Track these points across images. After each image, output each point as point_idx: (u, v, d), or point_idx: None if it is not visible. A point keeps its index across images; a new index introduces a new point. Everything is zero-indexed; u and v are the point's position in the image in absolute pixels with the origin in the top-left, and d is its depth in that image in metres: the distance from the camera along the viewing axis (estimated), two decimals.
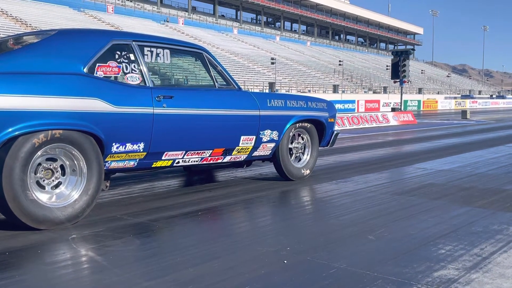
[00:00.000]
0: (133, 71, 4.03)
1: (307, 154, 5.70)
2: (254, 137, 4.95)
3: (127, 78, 3.99)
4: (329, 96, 46.81)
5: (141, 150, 4.02)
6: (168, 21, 58.68)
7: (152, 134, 4.02)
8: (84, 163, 3.61)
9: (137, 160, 4.08)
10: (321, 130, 5.81)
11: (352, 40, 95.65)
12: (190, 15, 65.81)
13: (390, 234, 3.43)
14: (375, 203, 4.43)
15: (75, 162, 3.60)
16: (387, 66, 58.29)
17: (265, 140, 5.07)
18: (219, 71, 4.81)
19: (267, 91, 41.61)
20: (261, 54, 58.42)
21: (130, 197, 4.63)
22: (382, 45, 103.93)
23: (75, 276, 2.63)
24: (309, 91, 49.43)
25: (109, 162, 3.91)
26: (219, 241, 3.28)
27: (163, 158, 4.28)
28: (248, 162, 5.38)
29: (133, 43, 4.15)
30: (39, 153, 3.39)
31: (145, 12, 58.89)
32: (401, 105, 20.39)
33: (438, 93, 70.45)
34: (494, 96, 72.98)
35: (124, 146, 3.89)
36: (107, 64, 3.89)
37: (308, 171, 5.67)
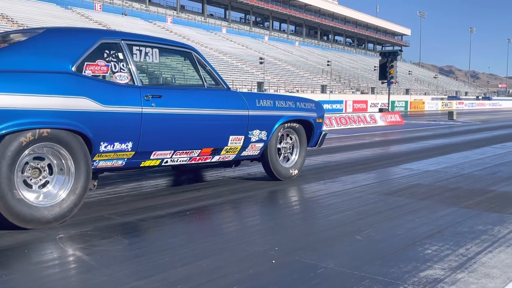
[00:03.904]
0: (121, 70, 4.02)
1: (296, 154, 5.73)
2: (243, 137, 4.96)
3: (116, 77, 3.97)
4: (317, 96, 46.96)
5: (129, 150, 4.01)
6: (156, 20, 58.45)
7: (141, 133, 4.01)
8: (72, 162, 3.58)
9: (125, 159, 4.07)
10: (309, 130, 5.84)
11: (341, 41, 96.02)
12: (179, 13, 65.59)
13: (378, 234, 3.46)
14: (362, 203, 4.46)
15: (63, 161, 3.57)
16: (375, 67, 58.60)
17: (253, 140, 5.09)
18: (208, 71, 4.80)
19: (255, 90, 41.62)
20: (250, 53, 58.42)
21: (118, 197, 4.61)
22: (370, 45, 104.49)
23: (63, 276, 2.61)
24: (298, 91, 49.54)
25: (97, 161, 3.89)
26: (208, 241, 3.28)
27: (151, 157, 4.26)
28: (236, 161, 5.39)
29: (122, 42, 4.13)
30: (26, 152, 3.36)
31: (134, 10, 58.57)
32: (388, 106, 20.52)
33: (425, 94, 71.02)
34: (480, 97, 73.72)
35: (112, 146, 3.87)
36: (96, 63, 3.86)
37: (296, 171, 5.70)
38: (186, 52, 4.73)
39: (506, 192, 4.99)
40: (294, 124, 5.60)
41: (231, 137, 4.84)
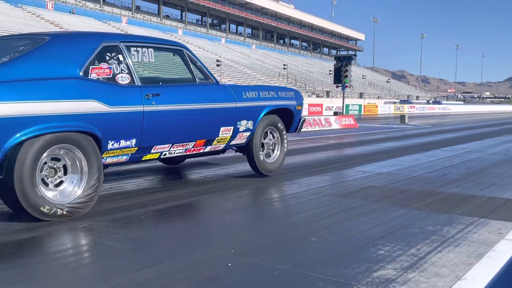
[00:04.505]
0: (122, 71, 4.24)
1: (277, 150, 6.12)
2: (232, 127, 5.29)
3: (118, 79, 4.18)
4: None
5: (133, 146, 4.29)
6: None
7: (143, 130, 4.28)
8: (85, 161, 3.85)
9: (129, 154, 4.36)
10: (290, 117, 6.20)
11: (297, 44, 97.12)
12: (134, 14, 64.63)
13: (332, 235, 3.52)
14: (317, 205, 4.52)
15: (77, 161, 3.84)
16: (330, 70, 59.57)
17: (241, 129, 5.42)
18: (198, 67, 5.07)
19: None
20: (207, 56, 58.21)
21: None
22: (325, 50, 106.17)
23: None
24: None
25: (105, 158, 4.15)
26: (167, 243, 3.24)
27: (152, 151, 4.56)
28: (223, 150, 5.63)
29: (121, 44, 4.36)
30: (45, 154, 3.62)
31: (87, 10, 57.29)
32: (343, 109, 20.89)
33: (378, 98, 72.76)
34: (430, 101, 76.20)
35: (118, 143, 4.15)
36: (100, 66, 4.09)
37: (277, 166, 6.08)
38: (178, 49, 4.98)
39: (455, 193, 5.17)
40: (278, 124, 6.03)
41: (222, 128, 5.16)
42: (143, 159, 4.60)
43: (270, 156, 6.03)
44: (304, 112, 33.39)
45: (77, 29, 46.68)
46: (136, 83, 4.28)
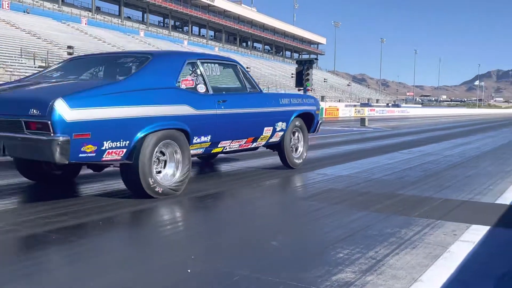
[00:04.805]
0: (200, 82, 5.30)
1: (301, 147, 7.22)
2: (272, 127, 6.40)
3: (198, 88, 5.21)
4: None
5: (208, 141, 5.36)
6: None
7: (215, 128, 5.36)
8: (180, 153, 4.90)
9: (204, 148, 5.41)
10: (311, 120, 7.36)
11: (259, 48, 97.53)
12: (94, 15, 63.44)
13: (292, 239, 3.53)
14: (279, 208, 4.53)
15: (174, 153, 4.88)
16: (292, 74, 60.08)
17: (278, 129, 6.53)
18: (247, 78, 6.19)
19: None
20: None
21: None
22: (288, 53, 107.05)
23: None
24: None
25: (190, 150, 5.10)
26: (124, 250, 3.18)
27: (218, 146, 5.60)
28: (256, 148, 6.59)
29: (198, 61, 5.48)
30: (156, 148, 4.62)
31: (45, 10, 55.89)
32: None
33: (339, 101, 73.77)
34: (390, 104, 77.87)
35: (200, 138, 5.21)
36: (186, 78, 5.13)
37: (301, 160, 7.19)
38: (233, 64, 6.13)
39: (412, 195, 5.28)
40: (301, 124, 7.12)
41: (265, 128, 6.28)
42: (212, 152, 5.66)
43: (295, 152, 7.10)
44: None
45: (34, 29, 45.48)
46: (209, 92, 5.37)
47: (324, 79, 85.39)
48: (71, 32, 51.54)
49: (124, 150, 4.43)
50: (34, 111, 3.93)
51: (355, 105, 58.50)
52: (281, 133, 6.64)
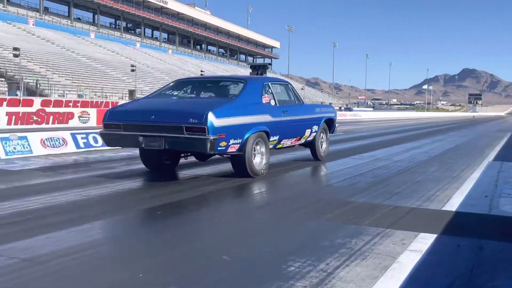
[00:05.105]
0: (271, 98, 7.44)
1: (325, 144, 9.44)
2: (310, 129, 8.53)
3: (271, 102, 7.38)
4: None
5: (276, 139, 7.47)
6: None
7: (281, 130, 7.48)
8: (265, 147, 7.00)
9: (273, 145, 7.46)
10: (331, 123, 9.54)
11: (214, 51, 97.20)
12: (42, 16, 61.48)
13: (243, 252, 3.49)
14: (228, 220, 4.48)
15: (261, 147, 6.96)
16: None
17: (313, 131, 8.67)
18: (295, 94, 8.47)
19: (127, 99, 40.49)
20: (121, 60, 56.70)
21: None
22: (242, 57, 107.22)
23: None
24: None
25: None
26: (73, 265, 3.04)
27: (281, 143, 7.70)
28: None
29: (269, 83, 7.64)
30: (255, 141, 6.76)
31: None
32: None
33: None
34: (342, 108, 79.18)
35: (273, 137, 7.25)
36: (265, 96, 7.29)
37: (326, 154, 9.44)
38: (286, 84, 8.48)
39: (363, 203, 5.35)
40: (326, 126, 9.30)
41: (306, 130, 8.40)
42: (276, 148, 7.74)
43: (321, 148, 9.17)
44: None
45: None
46: (277, 104, 7.52)
47: None
48: (18, 33, 49.77)
49: (238, 145, 6.49)
50: (193, 120, 5.98)
51: None
52: (314, 133, 8.76)
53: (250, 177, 6.68)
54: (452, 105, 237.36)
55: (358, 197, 5.70)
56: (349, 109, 73.87)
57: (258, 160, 6.89)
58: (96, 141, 10.84)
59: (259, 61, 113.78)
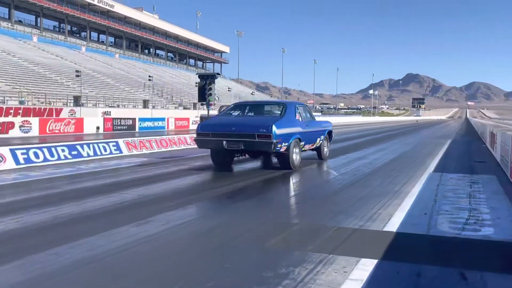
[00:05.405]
0: (300, 116, 10.81)
1: (326, 148, 12.77)
2: (319, 138, 11.87)
3: (299, 119, 10.71)
4: (140, 112, 46.09)
5: (303, 144, 10.66)
6: None
7: (305, 138, 10.66)
8: (298, 148, 10.36)
9: (301, 148, 10.58)
10: (330, 134, 13.05)
11: (162, 55, 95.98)
12: None
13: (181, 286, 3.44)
14: (175, 248, 4.41)
15: (296, 148, 10.34)
16: (196, 83, 59.80)
17: (321, 139, 12.05)
18: (310, 112, 11.94)
19: (72, 105, 39.37)
20: (66, 65, 55.01)
21: None
22: (192, 61, 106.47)
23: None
24: (118, 105, 48.05)
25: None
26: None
27: (305, 147, 10.79)
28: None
29: (297, 105, 11.12)
30: (294, 144, 10.30)
31: None
32: None
33: None
34: None
35: (301, 142, 10.48)
36: (297, 114, 10.74)
37: (327, 156, 12.77)
38: (305, 105, 12.07)
39: (307, 225, 5.41)
40: (327, 136, 12.75)
41: (317, 139, 11.73)
42: (302, 150, 10.70)
43: (323, 152, 12.50)
44: (171, 127, 33.13)
45: None
46: (302, 120, 10.82)
47: (228, 88, 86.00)
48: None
49: (286, 147, 9.75)
50: (262, 130, 9.34)
51: None
52: (321, 141, 12.20)
53: (290, 169, 10.04)
54: (396, 109, 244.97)
55: (303, 217, 5.77)
56: None
57: (295, 157, 10.19)
58: (37, 156, 10.46)
59: (209, 65, 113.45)
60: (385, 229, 5.26)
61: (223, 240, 4.72)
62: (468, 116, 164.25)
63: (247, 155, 11.06)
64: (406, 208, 6.38)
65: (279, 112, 10.54)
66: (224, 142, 9.61)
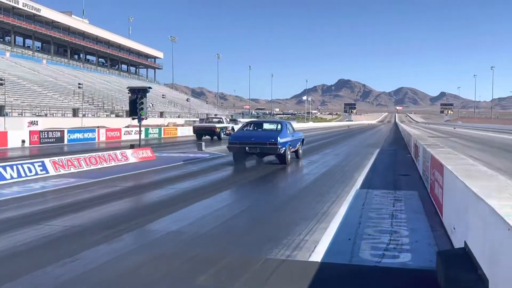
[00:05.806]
0: (289, 129, 16.98)
1: (300, 150, 18.34)
2: (298, 144, 17.90)
3: (289, 131, 16.85)
4: (69, 121, 44.50)
5: (292, 148, 16.71)
6: None
7: (292, 143, 16.64)
8: (289, 151, 16.55)
9: (291, 149, 16.66)
10: (303, 141, 18.89)
11: (93, 61, 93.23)
12: None
13: None
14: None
15: (288, 150, 16.43)
16: (128, 87, 58.48)
17: (298, 144, 17.85)
18: (292, 126, 17.86)
19: None
20: None
21: None
22: (124, 67, 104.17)
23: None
24: (46, 114, 46.19)
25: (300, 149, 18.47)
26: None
27: (291, 150, 16.50)
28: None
29: (286, 123, 17.59)
30: (289, 148, 16.47)
31: None
32: (139, 142, 20.59)
33: (179, 117, 74.04)
34: (228, 120, 79.64)
35: (290, 146, 16.43)
36: (288, 128, 16.92)
37: (301, 156, 18.42)
38: (290, 122, 19.26)
39: (237, 257, 5.44)
40: (300, 143, 18.68)
41: (297, 144, 17.72)
42: (291, 151, 16.61)
43: (299, 154, 18.00)
44: (102, 138, 32.24)
45: None
46: (290, 132, 16.84)
47: (163, 95, 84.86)
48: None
49: (283, 150, 15.39)
50: (271, 140, 15.16)
51: (194, 121, 59.06)
52: (298, 146, 17.64)
53: (284, 164, 15.49)
54: (329, 114, 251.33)
55: (233, 248, 5.81)
56: (234, 121, 74.11)
57: (288, 157, 15.70)
58: None
59: (142, 71, 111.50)
60: (311, 259, 5.43)
61: (152, 279, 4.70)
62: (397, 120, 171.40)
63: (255, 156, 16.53)
64: (332, 232, 6.61)
65: (276, 128, 16.58)
66: (247, 148, 15.30)
